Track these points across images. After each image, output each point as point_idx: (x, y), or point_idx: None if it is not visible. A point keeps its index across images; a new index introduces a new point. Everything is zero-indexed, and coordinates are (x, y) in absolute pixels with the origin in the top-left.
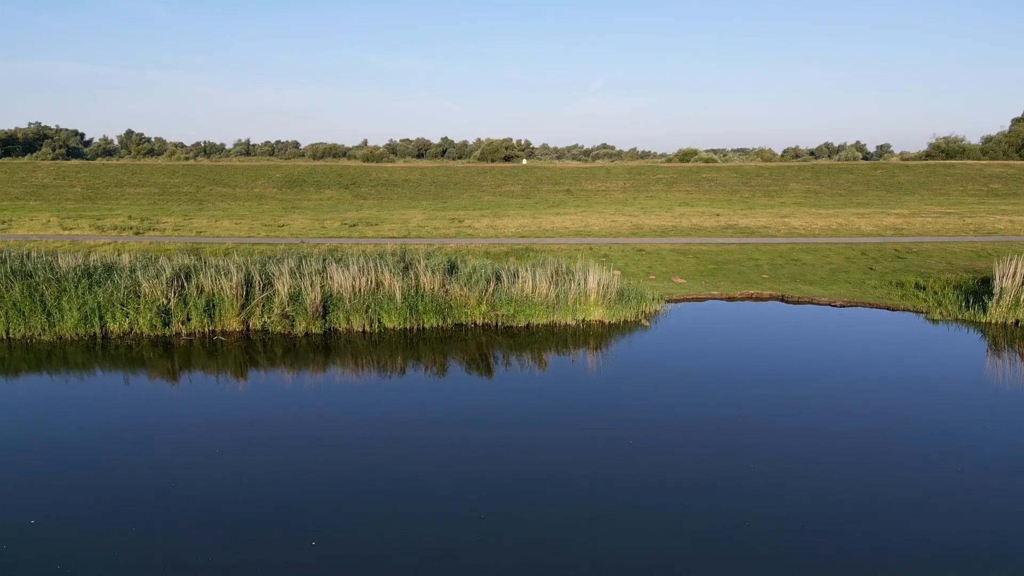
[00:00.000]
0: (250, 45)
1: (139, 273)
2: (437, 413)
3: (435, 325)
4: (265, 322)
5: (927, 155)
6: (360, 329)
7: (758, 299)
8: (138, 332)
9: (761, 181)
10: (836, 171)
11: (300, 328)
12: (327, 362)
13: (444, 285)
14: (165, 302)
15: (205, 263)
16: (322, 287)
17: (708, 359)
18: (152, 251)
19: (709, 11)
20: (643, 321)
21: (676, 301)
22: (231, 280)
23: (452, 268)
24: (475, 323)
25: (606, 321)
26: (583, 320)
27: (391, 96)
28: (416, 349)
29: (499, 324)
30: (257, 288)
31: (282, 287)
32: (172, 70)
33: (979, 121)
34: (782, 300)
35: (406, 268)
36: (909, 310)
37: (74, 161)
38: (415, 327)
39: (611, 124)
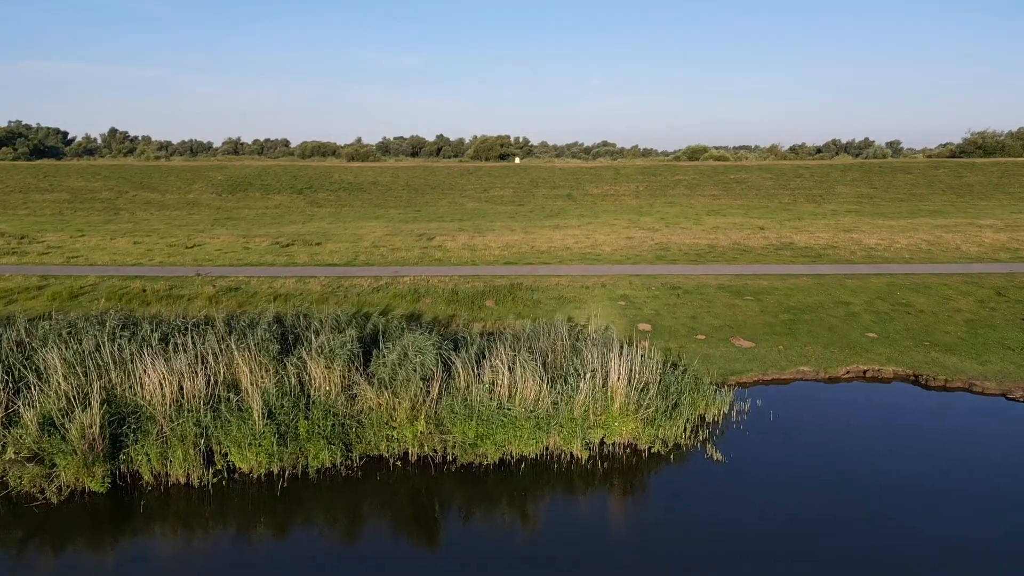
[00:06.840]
0: (247, 43)
1: None
2: None
3: (330, 464)
4: (3, 472)
5: (961, 151)
6: (183, 479)
7: (875, 379)
8: None
9: (802, 183)
10: (890, 171)
11: (67, 479)
12: (115, 551)
13: (350, 384)
14: None
15: None
16: (115, 394)
17: (836, 529)
18: None
19: (709, 9)
20: (712, 451)
21: (745, 385)
22: None
23: (373, 340)
24: (403, 456)
25: (641, 447)
26: (600, 444)
27: (387, 94)
28: (291, 514)
29: (449, 459)
30: None
31: (28, 415)
32: (168, 68)
33: (986, 117)
34: (915, 383)
35: (287, 349)
36: None
37: None
38: (292, 469)
39: (612, 122)
